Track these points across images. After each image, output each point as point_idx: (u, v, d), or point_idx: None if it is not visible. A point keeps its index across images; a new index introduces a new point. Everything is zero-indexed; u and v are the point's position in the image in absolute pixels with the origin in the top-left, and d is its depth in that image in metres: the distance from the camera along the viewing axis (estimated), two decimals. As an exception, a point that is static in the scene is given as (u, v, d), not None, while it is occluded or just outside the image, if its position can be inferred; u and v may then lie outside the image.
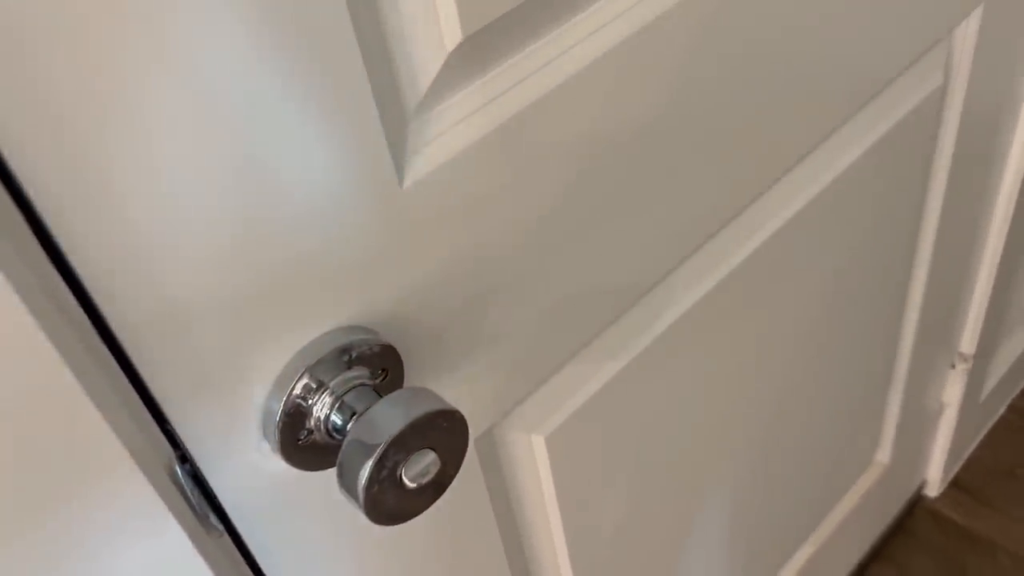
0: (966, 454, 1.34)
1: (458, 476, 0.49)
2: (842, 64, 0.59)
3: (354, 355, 0.39)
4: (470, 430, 0.48)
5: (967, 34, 0.71)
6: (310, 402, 0.39)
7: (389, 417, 0.36)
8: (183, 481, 0.37)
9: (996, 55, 0.76)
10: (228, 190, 0.33)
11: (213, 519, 0.39)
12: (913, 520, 1.29)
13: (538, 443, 0.54)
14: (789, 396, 0.80)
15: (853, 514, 1.11)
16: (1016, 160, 0.92)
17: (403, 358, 0.41)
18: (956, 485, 1.32)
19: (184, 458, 0.37)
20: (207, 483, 0.38)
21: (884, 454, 1.12)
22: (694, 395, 0.66)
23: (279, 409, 0.38)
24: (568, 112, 0.42)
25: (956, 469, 1.32)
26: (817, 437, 0.92)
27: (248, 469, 0.39)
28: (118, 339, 0.32)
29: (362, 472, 0.36)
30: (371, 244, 0.38)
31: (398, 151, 0.38)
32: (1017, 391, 1.40)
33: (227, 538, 0.40)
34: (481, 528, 0.53)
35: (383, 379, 0.41)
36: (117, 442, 0.33)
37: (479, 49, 0.39)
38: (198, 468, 0.37)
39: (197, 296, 0.34)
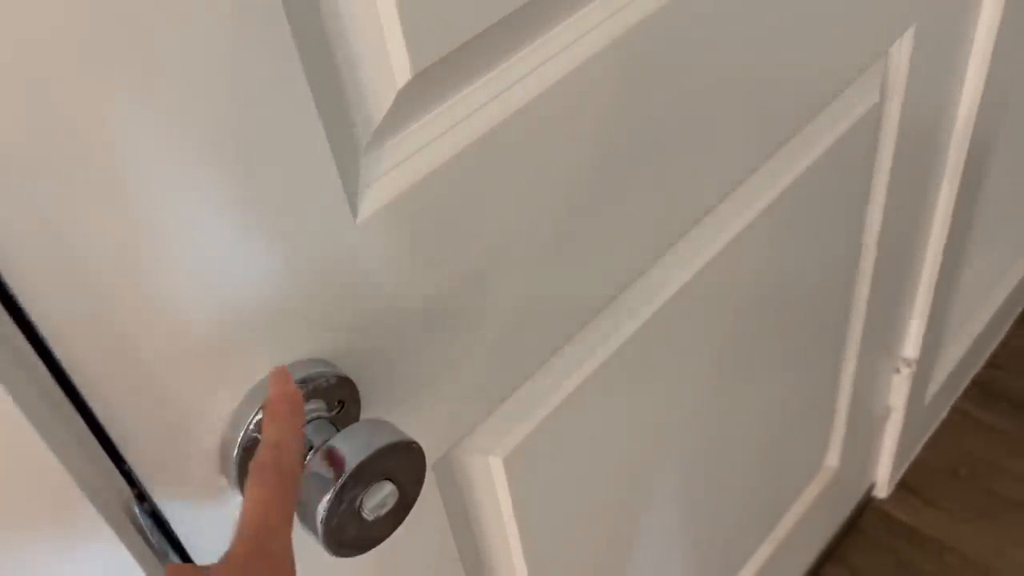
0: (912, 456, 1.37)
1: (416, 501, 0.49)
2: (781, 86, 0.61)
3: (310, 388, 0.39)
4: (428, 455, 0.49)
5: (901, 53, 0.74)
6: (267, 436, 0.39)
7: (346, 450, 0.37)
8: (141, 519, 0.37)
9: (929, 73, 0.79)
10: (180, 232, 0.33)
11: (172, 556, 0.39)
12: (863, 521, 1.32)
13: (495, 464, 0.54)
14: (740, 406, 0.82)
15: (805, 517, 1.13)
16: (951, 173, 0.95)
17: (359, 389, 0.42)
18: (903, 486, 1.35)
19: (142, 496, 0.37)
20: (166, 520, 0.38)
21: (833, 458, 1.15)
22: (647, 409, 0.67)
23: (236, 444, 0.38)
24: (519, 141, 0.43)
25: (903, 471, 1.36)
26: (768, 444, 0.94)
27: (207, 505, 0.39)
28: (73, 381, 0.32)
29: (320, 506, 0.36)
30: (325, 279, 0.39)
31: (351, 186, 0.38)
32: (959, 393, 1.44)
33: (186, 574, 0.40)
34: (440, 551, 0.54)
35: (340, 411, 0.41)
36: (73, 483, 0.33)
37: (430, 84, 0.39)
38: (156, 506, 0.37)
39: (152, 337, 0.34)
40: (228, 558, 0.32)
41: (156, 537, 0.37)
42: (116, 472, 0.36)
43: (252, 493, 0.33)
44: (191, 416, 0.37)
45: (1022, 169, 1.21)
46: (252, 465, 0.34)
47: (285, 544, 0.33)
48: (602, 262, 0.53)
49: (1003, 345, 1.50)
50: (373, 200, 0.39)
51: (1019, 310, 1.53)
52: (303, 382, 0.39)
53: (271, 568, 0.32)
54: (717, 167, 0.59)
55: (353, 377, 0.41)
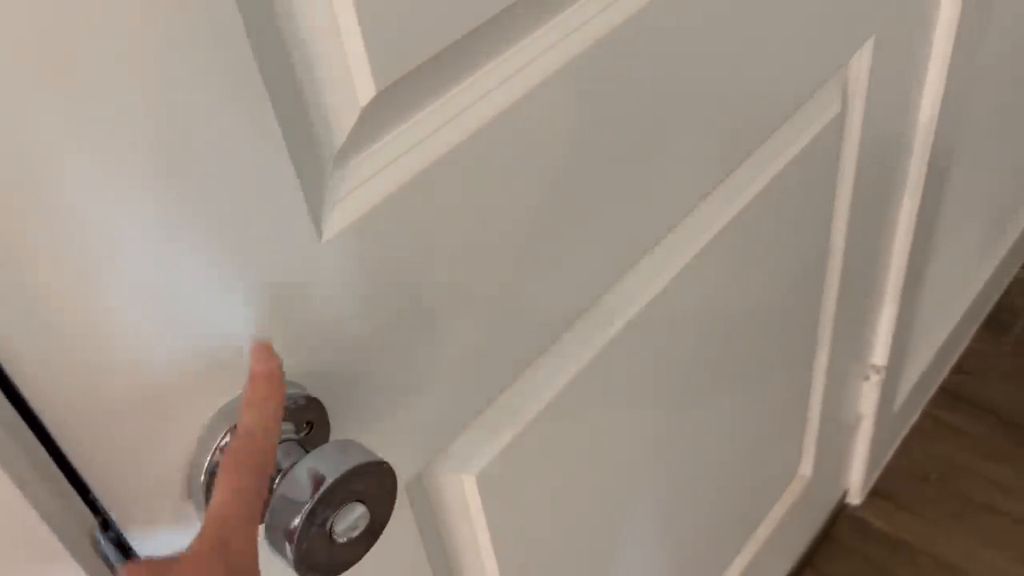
0: (884, 462, 1.38)
1: (389, 522, 0.49)
2: (745, 99, 0.61)
3: (278, 409, 0.39)
4: (399, 476, 0.48)
5: (861, 64, 0.75)
6: (235, 460, 0.38)
7: (316, 472, 0.36)
8: (105, 548, 0.36)
9: (890, 82, 0.80)
10: (140, 256, 0.32)
11: (138, 585, 0.38)
12: (838, 529, 1.33)
13: (468, 482, 0.54)
14: (712, 418, 0.82)
15: (780, 527, 1.13)
16: (914, 179, 0.96)
17: (328, 410, 0.41)
18: (876, 493, 1.36)
19: (106, 524, 0.36)
20: (131, 548, 0.37)
21: (807, 467, 1.15)
22: (619, 424, 0.67)
23: (203, 468, 0.37)
24: (485, 158, 0.43)
25: (876, 477, 1.37)
26: (741, 455, 0.94)
27: (173, 532, 0.38)
28: (33, 408, 0.32)
29: (291, 530, 0.35)
30: (291, 299, 0.38)
31: (315, 205, 0.38)
32: (928, 398, 1.45)
33: (154, 603, 0.39)
34: (414, 572, 0.53)
35: (308, 432, 0.40)
36: (33, 512, 0.32)
37: (394, 101, 0.39)
38: (121, 533, 0.37)
39: (113, 362, 0.33)
40: (189, 552, 0.31)
41: (121, 565, 0.37)
42: (79, 500, 0.35)
43: (221, 482, 0.32)
44: (155, 442, 0.36)
45: (983, 174, 1.23)
46: (225, 453, 0.33)
47: (250, 541, 0.32)
48: (570, 276, 0.53)
49: (970, 350, 1.52)
50: (338, 219, 0.38)
51: (985, 314, 1.55)
52: (270, 404, 0.39)
53: (232, 566, 0.31)
54: (683, 180, 0.59)
55: (321, 398, 0.41)
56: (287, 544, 0.36)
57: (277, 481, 0.37)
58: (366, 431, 0.44)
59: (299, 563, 0.36)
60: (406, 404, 0.46)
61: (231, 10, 0.31)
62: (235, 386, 0.38)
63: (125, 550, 0.37)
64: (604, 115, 0.49)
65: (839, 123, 0.76)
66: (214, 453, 0.37)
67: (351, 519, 0.37)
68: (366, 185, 0.39)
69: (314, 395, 0.40)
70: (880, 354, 1.15)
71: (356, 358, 0.42)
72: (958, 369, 1.49)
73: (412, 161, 0.40)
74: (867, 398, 1.19)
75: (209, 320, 0.36)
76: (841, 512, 1.34)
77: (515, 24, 0.43)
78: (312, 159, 0.37)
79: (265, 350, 0.35)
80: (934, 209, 1.06)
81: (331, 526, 0.37)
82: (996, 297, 1.57)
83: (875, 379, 1.17)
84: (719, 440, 0.86)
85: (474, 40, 0.41)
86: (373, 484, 0.38)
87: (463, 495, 0.55)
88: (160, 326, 0.34)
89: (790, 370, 0.95)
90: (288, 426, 0.39)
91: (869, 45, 0.74)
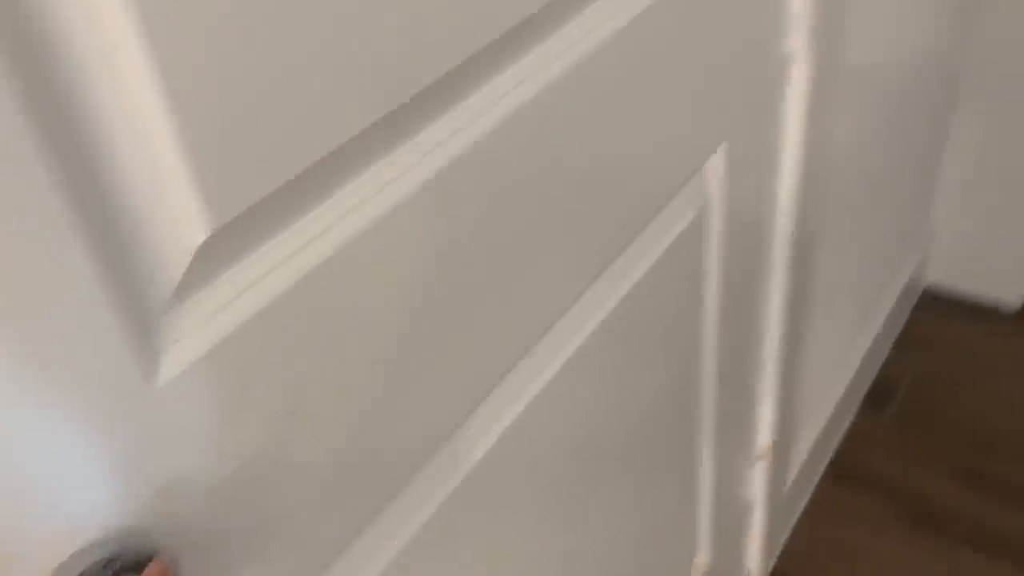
0: (781, 544, 1.39)
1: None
2: (599, 211, 0.63)
3: (119, 565, 0.37)
4: (261, 621, 0.46)
5: (717, 166, 0.78)
6: (69, 627, 0.36)
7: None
8: None
9: (745, 181, 0.84)
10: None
11: None
12: (742, 616, 1.33)
13: (340, 618, 0.52)
14: (599, 523, 0.81)
15: (683, 621, 1.12)
16: (780, 269, 1.00)
17: (179, 560, 0.39)
18: (776, 574, 1.37)
19: None
20: None
21: (704, 557, 1.15)
22: (498, 541, 0.66)
23: (33, 639, 0.35)
24: (327, 292, 0.43)
25: (773, 562, 1.38)
26: (636, 552, 0.93)
27: None
28: None
29: None
30: (127, 448, 0.36)
31: (148, 351, 0.36)
32: (818, 478, 1.48)
33: None
34: None
35: (153, 589, 0.38)
36: None
37: (230, 240, 0.38)
38: None
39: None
40: None
41: None
42: None
43: None
44: (-24, 616, 0.33)
45: (850, 254, 1.29)
46: None
47: None
48: (432, 402, 0.52)
49: (854, 426, 1.56)
50: (174, 362, 0.37)
51: (865, 389, 1.60)
52: (110, 561, 0.36)
53: None
54: (544, 296, 0.60)
55: (168, 548, 0.39)
56: None
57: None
58: (220, 579, 0.42)
59: None
60: (262, 547, 0.44)
61: (35, 159, 0.30)
62: (67, 549, 0.36)
63: None
64: (457, 240, 0.50)
65: (699, 224, 0.79)
66: (44, 623, 0.35)
67: None
68: (205, 326, 0.38)
69: (157, 548, 0.38)
70: (765, 438, 1.18)
71: (206, 505, 0.40)
72: (843, 446, 1.53)
73: (252, 298, 0.40)
74: (756, 483, 1.21)
75: (39, 478, 0.34)
76: (743, 599, 1.34)
77: (358, 157, 0.44)
78: (141, 305, 0.36)
79: (157, 565, 0.36)
80: (803, 294, 1.10)
81: None
82: (875, 372, 1.63)
83: (762, 464, 1.19)
84: (610, 541, 0.85)
85: (316, 173, 0.41)
86: (219, 642, 0.36)
87: (336, 632, 0.52)
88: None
89: (677, 465, 0.96)
90: (129, 584, 0.37)
91: (722, 149, 0.77)
